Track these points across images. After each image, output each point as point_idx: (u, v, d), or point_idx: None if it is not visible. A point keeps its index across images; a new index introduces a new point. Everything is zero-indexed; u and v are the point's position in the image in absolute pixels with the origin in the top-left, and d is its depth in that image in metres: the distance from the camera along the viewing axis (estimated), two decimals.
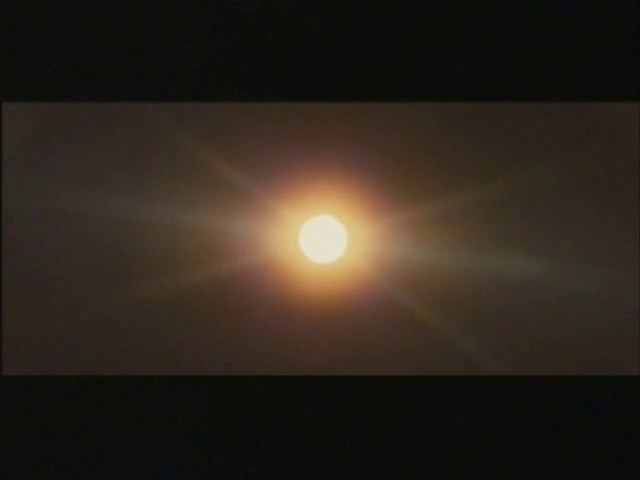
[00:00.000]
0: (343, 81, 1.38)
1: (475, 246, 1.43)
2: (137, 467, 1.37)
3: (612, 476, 1.36)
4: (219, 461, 1.37)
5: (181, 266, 1.43)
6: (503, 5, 1.38)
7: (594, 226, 1.42)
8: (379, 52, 1.38)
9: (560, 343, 1.42)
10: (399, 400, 1.37)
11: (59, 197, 1.42)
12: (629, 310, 1.42)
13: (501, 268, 1.42)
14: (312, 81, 1.38)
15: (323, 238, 1.45)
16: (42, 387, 1.36)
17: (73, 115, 1.42)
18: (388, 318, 1.43)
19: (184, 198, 1.43)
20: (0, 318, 1.41)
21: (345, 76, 1.38)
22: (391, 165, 1.44)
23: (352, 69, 1.38)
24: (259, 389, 1.37)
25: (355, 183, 1.44)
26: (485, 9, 1.38)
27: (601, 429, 1.36)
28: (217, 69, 1.39)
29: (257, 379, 1.36)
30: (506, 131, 1.43)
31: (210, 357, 1.44)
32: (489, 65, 1.38)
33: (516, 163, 1.43)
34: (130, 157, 1.43)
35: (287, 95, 1.38)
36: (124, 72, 1.38)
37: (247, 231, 1.44)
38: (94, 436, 1.37)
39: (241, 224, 1.44)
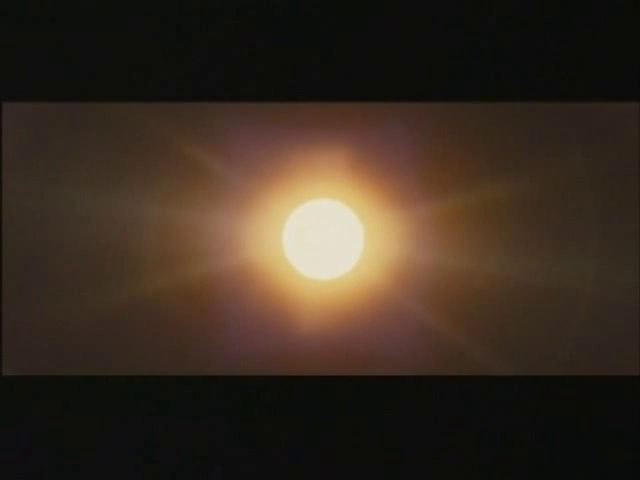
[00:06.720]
0: (341, 80, 1.38)
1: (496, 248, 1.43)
2: (137, 467, 1.37)
3: (612, 476, 1.36)
4: (217, 461, 1.37)
5: (176, 262, 1.43)
6: (503, 5, 1.39)
7: (594, 226, 1.42)
8: (379, 52, 1.39)
9: (560, 343, 1.42)
10: (399, 400, 1.37)
11: (59, 197, 1.42)
12: (628, 310, 1.42)
13: (508, 270, 1.42)
14: (310, 80, 1.38)
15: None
16: (42, 387, 1.36)
17: (73, 115, 1.42)
18: (404, 332, 1.43)
19: (183, 198, 1.43)
20: (0, 318, 1.41)
21: (342, 75, 1.38)
22: (388, 166, 1.44)
23: (349, 68, 1.39)
24: (254, 390, 1.37)
25: (354, 178, 1.44)
26: (485, 9, 1.39)
27: (601, 429, 1.36)
28: (215, 70, 1.39)
29: (248, 379, 1.37)
30: (506, 131, 1.43)
31: (194, 358, 1.44)
32: (489, 65, 1.38)
33: (517, 163, 1.43)
34: (128, 157, 1.43)
35: (286, 95, 1.38)
36: (124, 72, 1.38)
37: (230, 227, 1.43)
38: (94, 436, 1.37)
39: (223, 218, 1.42)
